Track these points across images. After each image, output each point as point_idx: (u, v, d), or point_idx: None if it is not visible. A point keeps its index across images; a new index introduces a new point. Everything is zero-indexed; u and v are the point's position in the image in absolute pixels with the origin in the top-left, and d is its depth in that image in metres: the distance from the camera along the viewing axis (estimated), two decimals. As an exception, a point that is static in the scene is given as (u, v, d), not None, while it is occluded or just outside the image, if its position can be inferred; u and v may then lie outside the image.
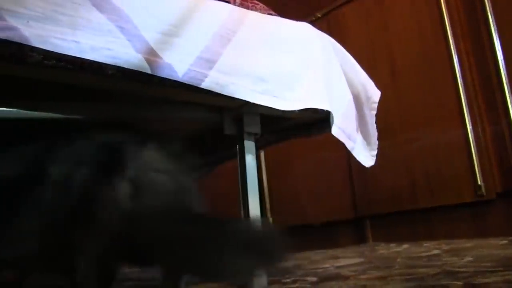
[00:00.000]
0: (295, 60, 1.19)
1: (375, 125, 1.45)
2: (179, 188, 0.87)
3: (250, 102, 1.08)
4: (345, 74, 1.33)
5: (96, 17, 0.88)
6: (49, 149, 0.84)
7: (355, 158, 1.37)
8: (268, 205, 2.83)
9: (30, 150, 0.86)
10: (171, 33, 0.96)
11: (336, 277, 1.25)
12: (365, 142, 1.38)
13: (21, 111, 0.96)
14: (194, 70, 0.97)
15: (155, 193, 0.82)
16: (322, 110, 1.22)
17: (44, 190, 0.79)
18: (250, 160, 1.22)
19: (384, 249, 2.09)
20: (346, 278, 1.20)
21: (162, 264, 0.85)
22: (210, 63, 1.00)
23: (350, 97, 1.34)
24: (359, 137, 1.35)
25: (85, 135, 0.88)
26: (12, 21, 0.79)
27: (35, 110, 0.96)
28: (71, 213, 0.77)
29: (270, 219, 2.77)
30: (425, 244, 2.10)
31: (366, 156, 1.37)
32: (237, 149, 1.24)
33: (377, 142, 1.45)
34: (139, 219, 0.77)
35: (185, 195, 0.88)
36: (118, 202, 0.77)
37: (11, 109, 0.95)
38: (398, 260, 1.53)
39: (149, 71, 0.90)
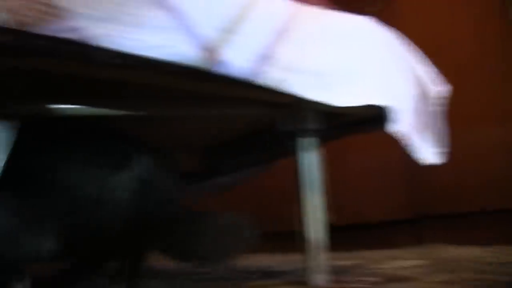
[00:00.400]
0: (353, 55, 1.17)
1: (439, 122, 1.41)
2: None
3: (306, 98, 1.08)
4: (407, 69, 1.30)
5: (158, 15, 0.90)
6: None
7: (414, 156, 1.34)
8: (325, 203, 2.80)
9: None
10: (229, 30, 0.97)
11: (399, 278, 1.22)
12: (429, 139, 1.34)
13: (88, 108, 1.00)
14: (251, 66, 0.98)
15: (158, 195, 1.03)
16: (379, 106, 1.20)
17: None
18: (307, 156, 1.22)
19: (445, 252, 2.03)
20: (410, 280, 1.17)
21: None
22: (268, 59, 1.00)
23: (412, 92, 1.30)
24: (420, 135, 1.31)
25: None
26: (80, 22, 0.83)
27: (101, 107, 1.00)
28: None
29: (327, 218, 2.75)
30: (491, 249, 2.02)
31: (428, 154, 1.32)
32: (294, 146, 1.23)
33: (442, 140, 1.41)
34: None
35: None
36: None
37: (78, 106, 1.00)
38: (463, 263, 1.48)
39: (207, 68, 0.92)
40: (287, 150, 1.58)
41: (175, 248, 1.09)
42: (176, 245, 1.10)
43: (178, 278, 1.64)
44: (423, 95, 1.36)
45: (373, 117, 1.31)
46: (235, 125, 1.44)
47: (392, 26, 1.33)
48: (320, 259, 1.20)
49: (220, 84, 0.98)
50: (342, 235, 2.73)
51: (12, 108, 0.91)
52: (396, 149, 2.50)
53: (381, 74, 1.22)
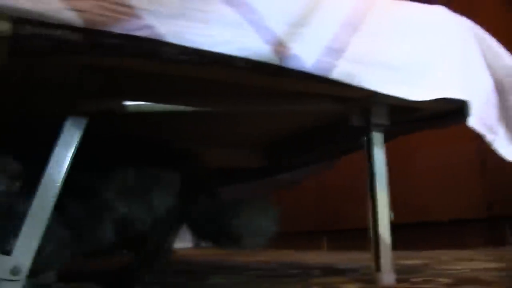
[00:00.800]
0: (428, 47, 1.12)
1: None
2: None
3: (378, 92, 1.04)
4: (486, 60, 1.23)
5: (226, 10, 0.89)
6: None
7: (488, 151, 1.26)
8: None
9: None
10: (298, 24, 0.95)
11: (474, 281, 1.16)
12: (509, 134, 1.26)
13: (157, 105, 1.01)
14: (323, 61, 0.95)
15: None
16: (458, 100, 1.14)
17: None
18: (378, 152, 1.18)
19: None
20: (488, 283, 1.10)
21: None
22: (339, 52, 0.97)
23: (492, 84, 1.23)
24: (501, 129, 1.24)
25: None
26: (150, 20, 0.83)
27: (170, 104, 1.01)
28: None
29: (391, 215, 2.67)
30: None
31: (510, 149, 1.24)
32: (364, 141, 1.20)
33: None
34: None
35: None
36: None
37: (146, 103, 1.00)
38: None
39: (278, 63, 0.90)
40: (352, 147, 1.55)
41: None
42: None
43: (242, 274, 1.64)
44: (502, 87, 1.28)
45: (448, 111, 1.26)
46: (301, 121, 1.42)
47: (472, 14, 1.26)
48: (387, 258, 1.16)
49: (289, 79, 0.95)
50: (409, 233, 2.66)
51: (82, 105, 0.92)
52: (470, 144, 2.42)
53: (457, 65, 1.16)
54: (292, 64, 0.92)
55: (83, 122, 0.92)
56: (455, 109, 1.21)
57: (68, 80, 0.93)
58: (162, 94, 1.02)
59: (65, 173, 0.89)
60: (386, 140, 1.23)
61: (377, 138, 1.18)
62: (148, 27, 0.83)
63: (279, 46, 0.91)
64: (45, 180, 0.87)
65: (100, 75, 0.93)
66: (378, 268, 1.15)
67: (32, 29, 0.75)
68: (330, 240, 3.44)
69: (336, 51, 0.97)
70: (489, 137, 1.18)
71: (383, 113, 1.18)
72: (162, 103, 1.01)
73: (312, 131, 1.51)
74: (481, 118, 1.16)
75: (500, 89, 1.25)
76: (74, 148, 0.90)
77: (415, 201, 2.73)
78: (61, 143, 0.90)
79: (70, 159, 0.90)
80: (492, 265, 1.56)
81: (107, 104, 0.96)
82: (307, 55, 0.93)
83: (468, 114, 1.14)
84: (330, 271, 1.61)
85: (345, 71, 0.98)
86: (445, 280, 1.18)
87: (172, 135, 1.18)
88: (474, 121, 1.14)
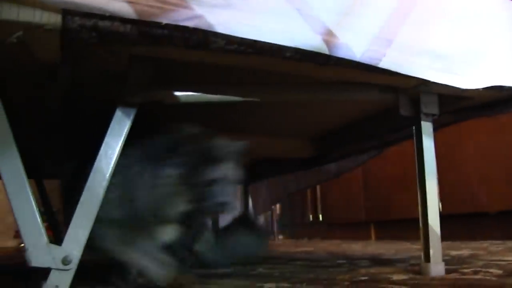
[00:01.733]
0: (477, 34, 1.09)
1: None
2: None
3: (428, 81, 1.02)
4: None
5: (275, 0, 0.88)
6: None
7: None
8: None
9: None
10: (347, 13, 0.94)
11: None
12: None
13: (204, 94, 1.02)
14: (371, 50, 0.94)
15: None
16: (509, 88, 1.10)
17: None
18: (427, 142, 1.16)
19: None
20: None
21: None
22: (388, 41, 0.96)
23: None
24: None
25: None
26: (199, 10, 0.83)
27: (219, 94, 1.01)
28: None
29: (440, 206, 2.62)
30: None
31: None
32: (413, 131, 1.18)
33: None
34: None
35: None
36: None
37: (195, 93, 1.01)
38: None
39: (327, 52, 0.89)
40: (401, 136, 1.53)
41: None
42: None
43: (288, 263, 1.65)
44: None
45: (498, 100, 1.23)
46: (350, 111, 1.40)
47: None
48: (437, 248, 1.14)
49: (338, 68, 0.95)
50: (458, 224, 2.61)
51: (131, 96, 0.94)
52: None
53: (508, 53, 1.12)
54: (341, 53, 0.91)
55: (132, 112, 0.94)
56: (504, 98, 1.19)
57: (117, 71, 0.95)
58: (210, 84, 1.02)
59: (114, 163, 0.91)
60: (435, 129, 1.20)
61: (426, 127, 1.16)
62: (197, 17, 0.83)
63: (328, 35, 0.90)
64: (95, 171, 0.89)
65: (149, 66, 0.94)
66: (427, 258, 1.14)
67: (80, 20, 0.76)
68: (378, 231, 3.41)
69: (385, 40, 0.96)
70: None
71: (432, 102, 1.16)
72: (210, 94, 1.02)
73: (362, 121, 1.49)
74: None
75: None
76: (123, 138, 0.92)
77: (463, 191, 2.67)
78: (111, 133, 0.92)
79: (119, 149, 0.92)
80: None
81: (156, 94, 0.98)
82: (356, 45, 0.92)
83: (517, 103, 1.11)
84: (378, 261, 1.59)
85: (393, 60, 0.96)
86: (496, 271, 1.15)
87: (222, 126, 1.18)
88: (523, 110, 1.11)
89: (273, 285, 1.06)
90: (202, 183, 1.00)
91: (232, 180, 1.04)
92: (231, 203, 1.03)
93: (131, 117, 0.94)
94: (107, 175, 0.90)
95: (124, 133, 0.93)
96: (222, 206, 1.01)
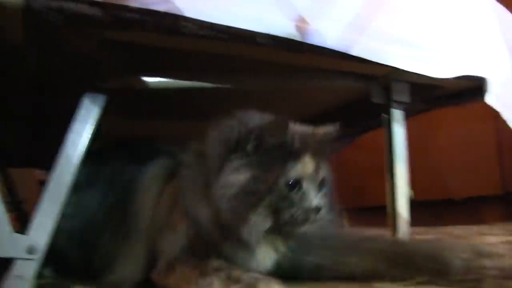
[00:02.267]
0: (449, 25, 1.10)
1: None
2: None
3: (399, 69, 1.02)
4: (505, 37, 1.20)
5: (248, -15, 0.87)
6: None
7: (505, 130, 1.24)
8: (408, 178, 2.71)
9: None
10: (321, 0, 0.93)
11: (488, 254, 1.15)
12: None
13: (175, 81, 1.00)
14: (344, 37, 0.93)
15: None
16: (477, 77, 1.12)
17: None
18: (398, 129, 1.18)
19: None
20: (501, 256, 1.10)
21: None
22: (361, 29, 0.95)
23: (510, 62, 1.21)
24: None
25: None
26: (167, -6, 0.81)
27: (189, 80, 1.00)
28: None
29: (411, 192, 2.67)
30: None
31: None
32: (384, 118, 1.19)
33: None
34: None
35: None
36: None
37: (167, 80, 0.99)
38: (561, 242, 1.39)
39: (299, 39, 0.88)
40: (373, 124, 1.54)
41: None
42: None
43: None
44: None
45: (468, 89, 1.24)
46: (324, 100, 1.40)
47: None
48: (404, 233, 1.17)
49: (311, 55, 0.94)
50: (427, 210, 2.66)
51: (101, 82, 0.92)
52: (488, 124, 2.40)
53: (478, 44, 1.14)
54: (314, 40, 0.90)
55: (102, 98, 0.92)
56: (474, 87, 1.20)
57: (86, 56, 0.92)
58: (182, 70, 1.01)
59: (82, 151, 0.88)
60: (406, 117, 1.22)
61: (397, 115, 1.18)
62: (166, 1, 0.81)
63: (301, 22, 0.89)
64: (62, 158, 0.87)
65: (120, 51, 0.92)
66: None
67: (45, 1, 0.73)
68: (351, 217, 3.44)
69: (358, 28, 0.95)
70: (505, 114, 1.17)
71: (403, 90, 1.17)
72: (182, 80, 1.00)
73: (335, 109, 1.49)
74: (499, 96, 1.14)
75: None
76: (92, 125, 0.90)
77: (434, 179, 2.72)
78: (79, 120, 0.89)
79: (88, 136, 0.89)
80: (506, 239, 1.57)
81: (127, 80, 0.96)
82: (329, 31, 0.92)
83: (486, 92, 1.13)
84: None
85: (366, 47, 0.96)
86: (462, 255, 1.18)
87: (193, 114, 1.17)
88: (492, 99, 1.13)
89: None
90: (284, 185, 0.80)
91: (325, 177, 0.87)
92: (327, 206, 0.84)
93: (101, 103, 0.91)
94: (75, 163, 0.87)
95: (93, 120, 0.90)
96: (316, 212, 0.81)
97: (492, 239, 1.57)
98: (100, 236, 0.99)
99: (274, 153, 0.81)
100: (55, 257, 0.94)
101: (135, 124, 1.38)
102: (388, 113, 1.18)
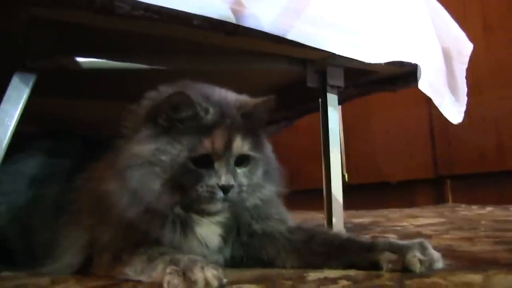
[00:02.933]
0: (382, 12, 1.13)
1: (465, 80, 1.37)
2: None
3: (334, 54, 1.05)
4: (435, 26, 1.25)
5: (183, -34, 0.87)
6: None
7: (437, 116, 1.31)
8: (344, 161, 2.78)
9: None
10: (256, -18, 0.93)
11: (417, 235, 1.22)
12: (453, 98, 1.31)
13: (110, 61, 0.98)
14: (280, 21, 0.94)
15: None
16: (409, 64, 1.16)
17: None
18: (332, 113, 1.20)
19: (465, 211, 2.02)
20: (428, 237, 1.17)
21: None
22: (296, 13, 0.97)
23: (440, 50, 1.26)
24: (447, 93, 1.28)
25: None
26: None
27: (123, 61, 0.98)
28: None
29: (346, 175, 2.74)
30: (511, 208, 2.01)
31: (454, 112, 1.29)
32: (319, 103, 1.21)
33: (465, 98, 1.37)
34: None
35: None
36: None
37: (100, 60, 0.97)
38: (483, 222, 1.47)
39: (234, 21, 0.89)
40: (310, 108, 1.57)
41: None
42: None
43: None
44: (449, 54, 1.32)
45: (400, 75, 1.29)
46: (259, 81, 1.41)
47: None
48: (339, 216, 1.19)
49: (246, 38, 0.95)
50: (361, 193, 2.74)
51: (31, 61, 0.89)
52: (420, 108, 2.49)
53: (409, 31, 1.18)
54: (249, 23, 0.91)
55: (31, 78, 0.89)
56: (407, 73, 1.24)
57: (14, 34, 0.89)
58: (116, 51, 0.99)
59: (11, 131, 0.86)
60: (342, 102, 1.24)
61: (332, 99, 1.20)
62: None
63: (236, 4, 0.89)
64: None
65: (51, 29, 0.89)
66: (330, 226, 1.18)
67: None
68: (287, 200, 3.48)
69: (293, 12, 0.97)
70: (436, 100, 1.22)
71: (338, 75, 1.20)
72: (116, 60, 0.99)
73: (271, 93, 1.49)
74: (430, 82, 1.19)
75: (446, 54, 1.29)
76: (21, 105, 0.87)
77: (369, 163, 2.80)
78: (8, 100, 0.87)
79: (17, 117, 0.87)
80: (434, 220, 1.66)
81: (58, 60, 0.93)
82: (264, 15, 0.92)
83: (418, 78, 1.17)
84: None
85: (301, 32, 0.98)
86: (391, 236, 1.23)
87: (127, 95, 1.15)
88: (423, 85, 1.17)
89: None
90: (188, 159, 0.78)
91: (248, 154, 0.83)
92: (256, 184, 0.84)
93: (30, 83, 0.89)
94: (4, 143, 0.85)
95: (23, 100, 0.88)
96: (224, 190, 0.78)
97: (424, 221, 1.65)
98: (42, 223, 0.96)
99: (185, 126, 0.78)
100: None
101: (64, 103, 1.34)
102: (323, 97, 1.20)
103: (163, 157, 0.78)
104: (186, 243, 0.81)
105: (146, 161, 0.78)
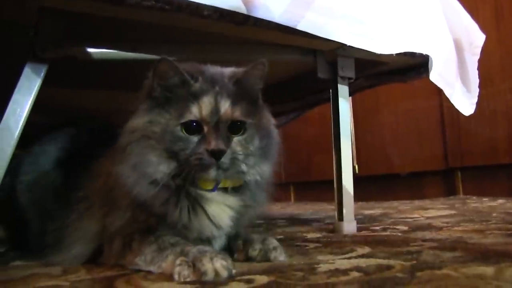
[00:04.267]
0: (393, 2, 1.12)
1: (476, 71, 1.36)
2: None
3: (345, 45, 1.05)
4: (446, 17, 1.24)
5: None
6: None
7: (448, 107, 1.30)
8: (354, 153, 2.77)
9: None
10: (267, -27, 0.92)
11: (428, 227, 1.21)
12: (465, 89, 1.30)
13: (120, 51, 0.98)
14: (290, 11, 0.94)
15: None
16: (421, 55, 1.16)
17: None
18: (343, 104, 1.20)
19: (477, 203, 2.01)
20: (439, 229, 1.16)
21: None
22: (307, 3, 0.96)
23: (451, 41, 1.25)
24: (458, 84, 1.27)
25: None
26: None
27: (133, 51, 0.98)
28: None
29: (356, 167, 2.73)
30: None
31: (465, 104, 1.28)
32: (330, 94, 1.21)
33: (477, 90, 1.36)
34: None
35: None
36: None
37: (110, 50, 0.97)
38: (494, 214, 1.46)
39: (245, 12, 0.88)
40: (320, 99, 1.56)
41: None
42: None
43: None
44: (460, 45, 1.30)
45: (411, 66, 1.28)
46: (270, 72, 1.41)
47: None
48: (350, 208, 1.19)
49: (257, 29, 0.94)
50: (371, 185, 2.74)
51: (42, 51, 0.89)
52: (430, 100, 2.47)
53: (421, 21, 1.17)
54: (260, 14, 0.90)
55: (43, 68, 0.89)
56: (418, 64, 1.24)
57: (25, 24, 0.89)
58: (126, 41, 0.99)
59: (23, 122, 0.86)
60: (352, 93, 1.24)
61: (343, 90, 1.19)
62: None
63: (248, -5, 0.89)
64: (2, 129, 0.85)
65: (62, 20, 0.89)
66: (340, 217, 1.19)
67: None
68: (297, 192, 3.50)
69: (304, 2, 0.96)
70: (447, 91, 1.21)
71: (349, 66, 1.19)
72: (126, 51, 0.99)
73: (282, 84, 1.50)
74: (441, 73, 1.18)
75: (458, 46, 1.28)
76: (33, 95, 0.88)
77: (379, 154, 2.79)
78: (19, 90, 0.87)
79: (29, 106, 0.87)
80: (445, 212, 1.64)
81: (69, 50, 0.93)
82: (275, 5, 0.92)
83: (429, 69, 1.17)
84: (296, 221, 1.65)
85: (312, 22, 0.97)
86: (402, 228, 1.23)
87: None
88: (434, 76, 1.16)
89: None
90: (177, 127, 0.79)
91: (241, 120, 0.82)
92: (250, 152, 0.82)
93: (42, 73, 0.89)
94: (16, 133, 0.86)
95: (35, 91, 0.88)
96: (215, 156, 0.77)
97: (435, 213, 1.64)
98: (57, 209, 0.96)
99: (175, 95, 0.79)
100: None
101: (76, 94, 1.35)
102: (334, 88, 1.19)
103: (155, 128, 0.79)
104: (196, 221, 0.81)
105: (141, 135, 0.80)
